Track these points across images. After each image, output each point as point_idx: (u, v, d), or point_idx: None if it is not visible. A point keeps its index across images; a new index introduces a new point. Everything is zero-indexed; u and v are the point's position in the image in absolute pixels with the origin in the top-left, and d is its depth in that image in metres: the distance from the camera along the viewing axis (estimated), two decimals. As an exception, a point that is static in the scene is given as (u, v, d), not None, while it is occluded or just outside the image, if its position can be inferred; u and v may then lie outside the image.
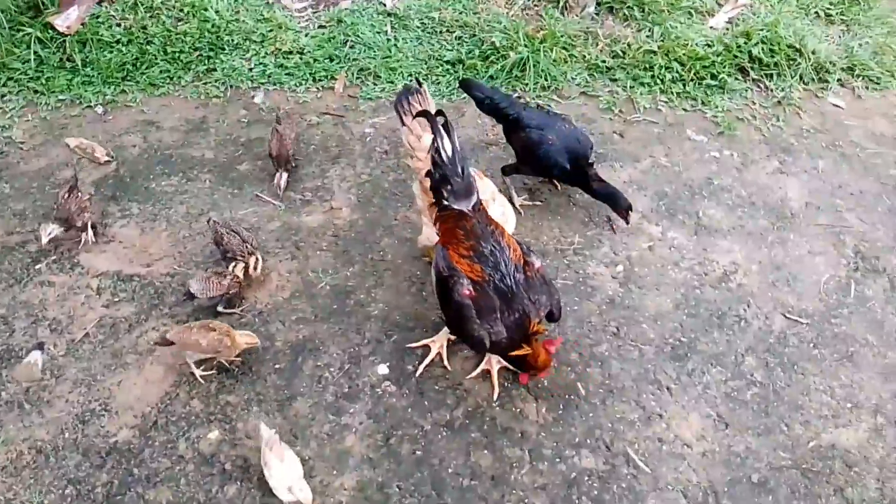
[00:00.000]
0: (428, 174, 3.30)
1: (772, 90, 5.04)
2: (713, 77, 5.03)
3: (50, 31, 4.88)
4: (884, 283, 3.94)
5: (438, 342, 3.43)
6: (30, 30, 4.85)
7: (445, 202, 3.26)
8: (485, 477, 3.08)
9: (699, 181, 4.43)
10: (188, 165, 4.34)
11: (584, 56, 5.11)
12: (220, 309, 3.54)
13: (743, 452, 3.21)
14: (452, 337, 3.43)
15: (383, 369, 3.40)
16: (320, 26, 5.27)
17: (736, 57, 5.09)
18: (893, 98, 5.15)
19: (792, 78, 5.09)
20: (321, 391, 3.32)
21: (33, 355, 3.36)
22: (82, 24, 4.95)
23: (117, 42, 4.95)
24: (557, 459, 3.14)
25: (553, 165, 4.00)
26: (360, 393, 3.32)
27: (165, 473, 3.03)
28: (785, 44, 5.12)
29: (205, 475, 3.03)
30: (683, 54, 5.05)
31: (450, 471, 3.09)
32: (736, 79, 5.07)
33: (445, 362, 3.40)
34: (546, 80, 4.94)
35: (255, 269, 3.60)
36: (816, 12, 5.62)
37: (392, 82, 4.90)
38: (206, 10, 5.12)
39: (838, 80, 5.17)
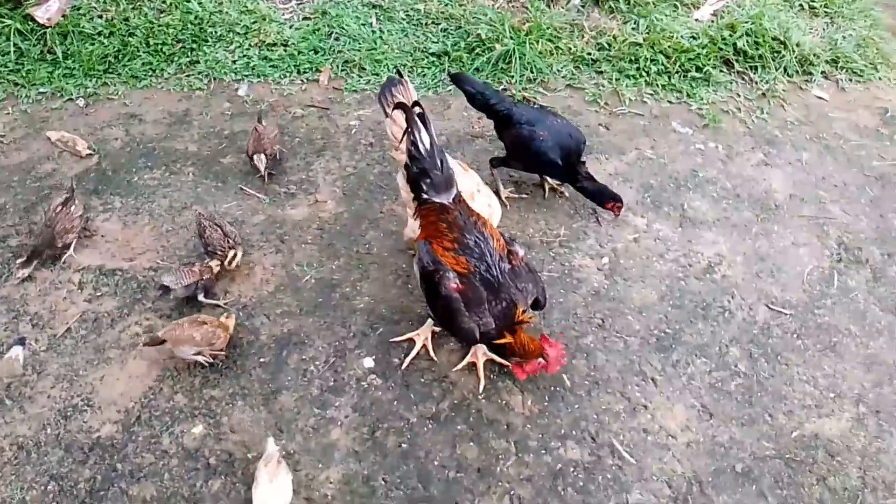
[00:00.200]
0: (406, 167, 3.29)
1: (756, 82, 5.06)
2: (698, 69, 5.04)
3: (30, 22, 4.82)
4: (866, 274, 3.97)
5: (423, 335, 3.43)
6: (9, 21, 4.78)
7: (425, 195, 3.24)
8: (471, 469, 3.08)
9: (684, 173, 4.44)
10: (171, 159, 4.30)
11: (570, 48, 5.11)
12: (200, 298, 3.51)
13: (727, 442, 3.23)
14: (437, 329, 3.43)
15: (369, 362, 3.39)
16: (305, 18, 5.24)
17: (721, 49, 5.11)
18: (876, 90, 5.19)
19: (776, 70, 5.11)
20: (306, 385, 3.30)
21: (14, 350, 3.32)
22: (63, 16, 4.89)
23: (99, 34, 4.89)
24: (543, 451, 3.15)
25: (545, 162, 3.98)
26: (346, 386, 3.31)
27: (149, 468, 3.01)
28: (769, 36, 5.14)
29: (189, 470, 3.01)
30: (669, 46, 5.06)
31: (436, 463, 3.08)
32: (721, 71, 5.09)
33: (431, 354, 3.39)
34: (532, 72, 4.93)
35: (230, 262, 3.58)
36: (801, 5, 5.65)
37: (377, 74, 4.88)
38: (188, 1, 5.07)
39: (822, 72, 5.20)
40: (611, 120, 4.75)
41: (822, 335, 3.66)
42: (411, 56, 5.02)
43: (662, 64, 5.04)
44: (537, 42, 5.01)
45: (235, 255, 3.59)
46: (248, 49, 4.97)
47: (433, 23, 5.24)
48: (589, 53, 5.10)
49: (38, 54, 4.79)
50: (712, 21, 5.38)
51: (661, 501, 3.03)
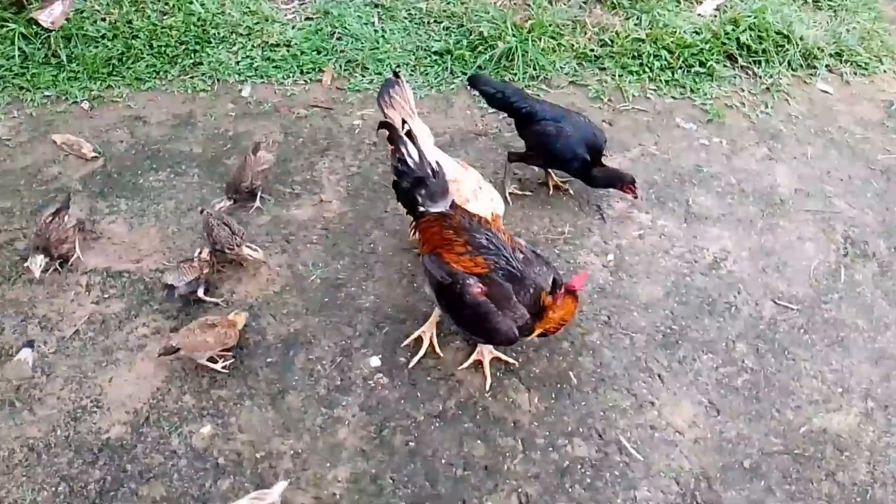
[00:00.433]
0: (394, 185, 3.26)
1: (760, 77, 5.05)
2: (701, 64, 5.03)
3: (34, 26, 4.83)
4: (873, 267, 3.96)
5: (428, 332, 3.42)
6: (13, 26, 4.80)
7: (422, 208, 3.20)
8: (478, 467, 3.08)
9: (688, 169, 4.43)
10: (176, 160, 4.31)
11: (573, 45, 5.10)
12: (200, 295, 3.51)
13: (734, 438, 3.23)
14: (438, 320, 3.40)
15: (375, 361, 3.40)
16: (307, 18, 5.24)
17: (724, 44, 5.09)
18: (881, 83, 5.17)
19: (780, 64, 5.09)
20: (313, 384, 3.31)
21: (23, 353, 3.34)
22: (67, 20, 4.90)
23: (102, 37, 4.90)
24: (550, 448, 3.15)
25: (572, 157, 3.93)
26: (353, 385, 3.31)
27: (158, 469, 3.02)
28: (773, 30, 5.12)
29: (198, 470, 3.03)
30: (672, 42, 5.05)
31: (443, 461, 3.09)
32: (724, 66, 5.07)
33: (437, 350, 3.40)
34: (534, 69, 4.93)
35: (255, 251, 3.60)
36: (803, -2, 5.63)
37: (380, 73, 4.88)
38: (191, 3, 5.07)
39: (826, 66, 5.18)
40: (614, 116, 4.74)
41: (829, 330, 3.65)
42: (414, 55, 5.02)
43: (666, 59, 5.03)
44: (540, 39, 5.00)
45: (250, 248, 3.60)
46: (251, 50, 4.98)
47: (435, 21, 5.24)
48: (592, 50, 5.09)
49: (42, 58, 4.80)
50: (715, 16, 5.36)
51: (669, 498, 3.03)
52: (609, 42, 5.12)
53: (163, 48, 4.91)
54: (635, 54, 5.06)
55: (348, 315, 3.57)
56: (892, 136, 4.78)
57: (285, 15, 5.25)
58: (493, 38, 4.97)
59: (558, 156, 3.98)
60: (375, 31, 5.16)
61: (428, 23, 5.24)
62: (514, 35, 4.96)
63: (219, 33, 5.02)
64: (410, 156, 3.18)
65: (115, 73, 4.81)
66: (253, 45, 5.00)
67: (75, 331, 3.47)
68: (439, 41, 5.09)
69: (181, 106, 4.67)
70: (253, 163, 3.94)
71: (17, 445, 3.08)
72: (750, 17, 5.16)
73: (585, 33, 5.16)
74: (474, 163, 4.18)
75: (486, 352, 3.36)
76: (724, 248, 3.99)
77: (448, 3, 5.32)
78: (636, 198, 4.01)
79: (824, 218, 4.20)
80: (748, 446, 3.20)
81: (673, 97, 4.91)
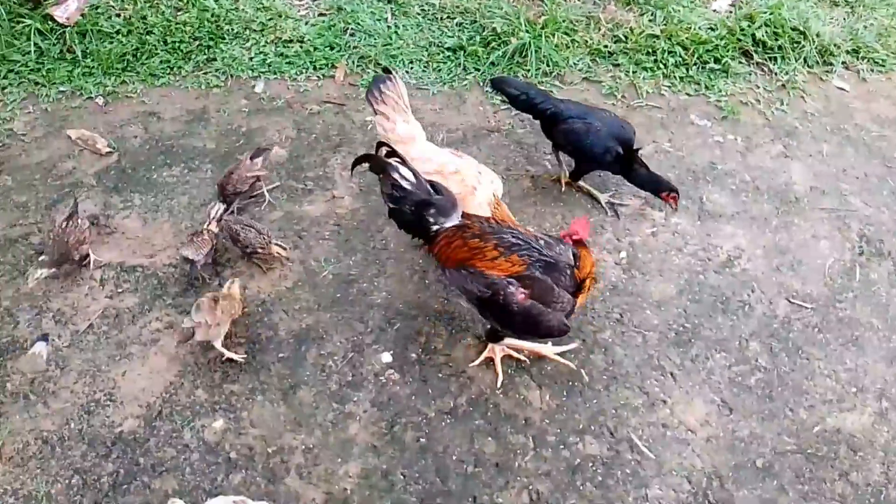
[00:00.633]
0: (392, 215, 3.21)
1: (776, 73, 5.01)
2: (716, 61, 4.99)
3: (50, 22, 4.86)
4: (889, 266, 3.92)
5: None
6: (29, 21, 4.83)
7: (436, 227, 3.13)
8: (489, 464, 3.08)
9: (703, 166, 4.40)
10: (189, 156, 4.33)
11: (587, 41, 5.08)
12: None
13: (747, 437, 3.21)
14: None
15: (387, 357, 3.40)
16: (320, 14, 5.24)
17: (739, 40, 5.05)
18: (899, 80, 5.11)
19: (796, 61, 5.05)
20: (325, 380, 3.32)
21: (38, 346, 3.37)
22: (82, 15, 4.93)
23: (117, 32, 4.93)
24: (561, 446, 3.14)
25: (605, 151, 3.89)
26: (364, 381, 3.32)
27: (171, 462, 3.04)
28: (789, 26, 5.07)
29: (210, 464, 3.04)
30: (686, 38, 5.02)
31: (454, 458, 3.09)
32: (739, 62, 5.03)
33: (519, 355, 3.37)
34: (548, 65, 4.91)
35: (283, 248, 3.67)
36: (820, -6, 5.58)
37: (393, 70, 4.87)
38: (205, -1, 5.10)
39: (843, 62, 5.13)
40: (628, 113, 4.72)
41: (843, 329, 3.62)
42: (426, 51, 5.02)
43: (680, 56, 4.99)
44: (553, 35, 4.98)
45: (279, 246, 3.65)
46: (264, 46, 4.99)
47: (448, 17, 5.23)
48: (605, 46, 5.06)
49: (57, 53, 4.83)
50: (730, 12, 5.32)
51: (681, 496, 3.02)
52: (623, 38, 5.09)
53: (177, 44, 4.92)
54: (649, 50, 5.03)
55: (360, 311, 3.58)
56: (910, 133, 4.73)
57: (298, 11, 5.26)
58: (507, 35, 4.95)
59: (590, 152, 3.94)
60: (388, 27, 5.15)
61: (441, 19, 5.23)
62: (527, 31, 4.94)
63: (232, 29, 5.03)
64: (405, 178, 3.09)
65: (129, 68, 4.83)
66: (266, 41, 5.01)
67: (89, 325, 3.49)
68: (452, 37, 5.08)
69: (195, 102, 4.68)
70: (244, 168, 3.91)
71: (32, 438, 3.11)
72: (766, 12, 5.12)
73: (599, 29, 5.14)
74: (487, 159, 4.18)
75: (498, 349, 3.36)
76: (738, 245, 3.97)
77: (461, -1, 5.31)
78: (675, 210, 3.95)
79: (839, 216, 4.16)
80: (761, 445, 3.18)
81: (687, 94, 4.87)
